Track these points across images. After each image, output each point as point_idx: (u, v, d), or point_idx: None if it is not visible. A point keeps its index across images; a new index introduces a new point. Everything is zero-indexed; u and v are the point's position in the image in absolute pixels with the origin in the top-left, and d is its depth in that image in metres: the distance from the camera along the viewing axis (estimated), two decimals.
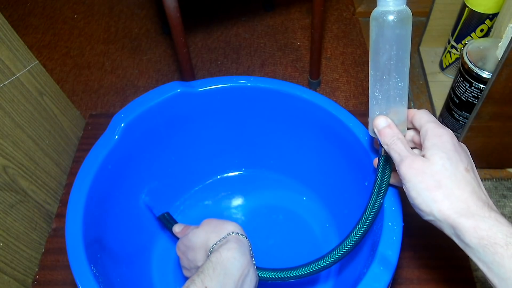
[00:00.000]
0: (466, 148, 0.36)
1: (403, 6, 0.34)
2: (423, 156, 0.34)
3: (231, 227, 0.43)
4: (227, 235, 0.42)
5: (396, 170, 0.36)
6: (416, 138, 0.39)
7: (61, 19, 1.50)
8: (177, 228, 0.52)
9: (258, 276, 0.43)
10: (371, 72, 0.37)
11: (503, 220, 0.31)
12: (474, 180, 0.33)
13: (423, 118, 0.37)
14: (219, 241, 0.41)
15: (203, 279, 0.36)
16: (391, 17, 0.34)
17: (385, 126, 0.37)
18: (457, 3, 1.10)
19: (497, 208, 1.02)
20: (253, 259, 0.44)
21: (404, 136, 0.38)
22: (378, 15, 0.34)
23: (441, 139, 0.34)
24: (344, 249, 0.41)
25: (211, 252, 0.41)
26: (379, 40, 0.35)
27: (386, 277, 0.37)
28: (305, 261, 0.45)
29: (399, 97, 0.37)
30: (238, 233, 0.42)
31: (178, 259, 0.46)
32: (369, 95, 0.38)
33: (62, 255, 0.60)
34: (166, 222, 0.57)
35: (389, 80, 0.36)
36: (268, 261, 0.49)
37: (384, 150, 0.38)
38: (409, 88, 1.23)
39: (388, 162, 0.40)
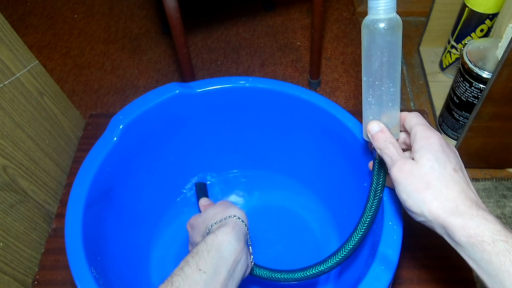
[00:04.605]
0: (455, 149, 0.37)
1: (393, 14, 0.35)
2: (413, 158, 0.35)
3: (234, 211, 0.44)
4: (228, 217, 0.43)
5: None
6: (408, 141, 0.40)
7: (61, 19, 1.50)
8: (203, 202, 0.55)
9: (252, 266, 0.44)
10: (363, 78, 0.38)
11: (490, 217, 0.31)
12: (462, 180, 0.34)
13: (412, 120, 0.38)
14: (219, 221, 0.42)
15: (198, 261, 0.36)
16: (382, 25, 0.35)
17: (378, 131, 0.38)
18: (457, 3, 1.10)
19: (497, 208, 1.02)
20: (250, 248, 0.44)
21: (397, 139, 0.40)
22: (369, 23, 0.35)
23: (428, 141, 0.35)
24: (343, 253, 0.42)
25: (209, 231, 0.42)
26: (371, 47, 0.36)
27: (387, 276, 0.38)
28: (305, 261, 0.45)
29: (391, 102, 0.38)
30: (238, 218, 0.43)
31: (177, 260, 0.47)
32: (362, 100, 0.39)
33: (62, 255, 0.60)
34: (199, 191, 0.60)
35: (381, 85, 0.37)
36: (268, 261, 0.49)
37: (378, 153, 0.39)
38: (409, 88, 1.24)
39: (383, 165, 0.41)
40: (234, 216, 0.43)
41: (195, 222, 0.47)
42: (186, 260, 0.37)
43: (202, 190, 0.61)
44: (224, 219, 0.43)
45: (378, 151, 0.38)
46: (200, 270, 0.35)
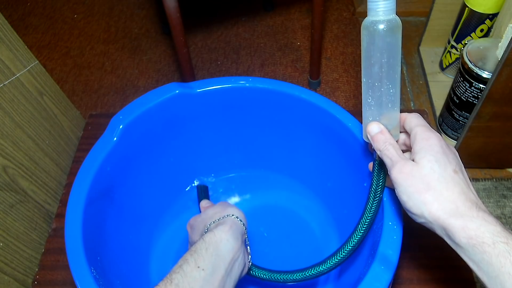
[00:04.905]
0: (455, 150, 0.37)
1: (393, 16, 0.35)
2: (413, 159, 0.35)
3: (233, 210, 0.44)
4: (226, 216, 0.43)
5: None
6: (408, 142, 0.40)
7: (61, 19, 1.50)
8: (204, 203, 0.55)
9: (249, 265, 0.44)
10: (363, 80, 0.38)
11: (491, 219, 0.31)
12: (462, 181, 0.34)
13: (412, 122, 0.38)
14: (217, 220, 0.43)
15: (196, 259, 0.36)
16: (381, 26, 0.35)
17: (377, 132, 0.38)
18: (457, 3, 1.10)
19: (497, 208, 1.02)
20: (248, 248, 0.44)
21: (397, 140, 0.40)
22: (369, 24, 0.35)
23: (428, 142, 0.35)
24: (342, 254, 0.42)
25: (207, 229, 0.42)
26: (370, 49, 0.36)
27: (387, 276, 0.38)
28: (305, 261, 0.45)
29: (391, 103, 0.38)
30: (237, 217, 0.43)
31: (177, 259, 0.47)
32: (362, 101, 0.39)
33: (62, 255, 0.60)
34: (200, 194, 0.60)
35: (381, 87, 0.37)
36: (268, 261, 0.49)
37: (378, 155, 0.39)
38: (409, 88, 1.24)
39: (382, 166, 0.41)
40: (232, 215, 0.43)
41: (195, 222, 0.47)
42: (185, 258, 0.37)
43: (203, 193, 0.61)
44: (222, 218, 0.43)
45: (378, 152, 0.38)
46: (198, 267, 0.36)
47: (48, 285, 0.57)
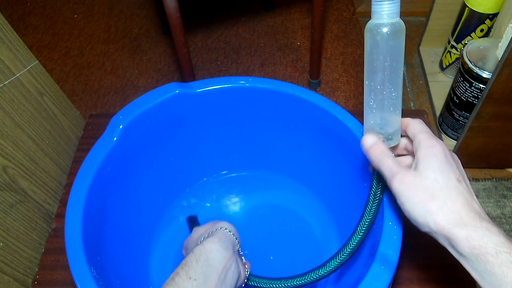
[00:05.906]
0: (458, 159, 0.37)
1: (397, 19, 0.35)
2: (415, 167, 0.35)
3: (222, 224, 0.45)
4: (216, 230, 0.44)
5: None
6: (409, 147, 0.39)
7: (61, 19, 1.50)
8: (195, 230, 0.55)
9: (247, 275, 0.44)
10: (365, 82, 0.38)
11: (494, 229, 0.32)
12: (466, 191, 0.34)
13: (416, 128, 0.37)
14: (207, 235, 0.43)
15: (187, 271, 0.37)
16: (385, 30, 0.35)
17: (372, 144, 0.37)
18: (457, 3, 1.10)
19: (497, 208, 1.02)
20: (243, 258, 0.45)
21: (398, 145, 0.39)
22: (373, 27, 0.35)
23: (433, 150, 0.35)
24: (342, 257, 0.42)
25: (197, 244, 0.43)
26: (374, 52, 0.36)
27: (387, 276, 0.38)
28: (306, 261, 0.45)
29: (393, 107, 0.38)
30: (226, 229, 0.43)
31: (177, 260, 0.47)
32: (364, 104, 0.39)
33: (62, 255, 0.60)
34: (191, 224, 0.58)
35: (383, 90, 0.37)
36: (269, 261, 0.49)
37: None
38: (409, 88, 1.24)
39: None
40: (221, 228, 0.44)
41: (187, 243, 0.48)
42: (176, 271, 0.37)
43: (194, 223, 0.60)
44: (212, 232, 0.44)
45: (374, 164, 0.37)
46: (190, 278, 0.36)
47: (48, 285, 0.57)
